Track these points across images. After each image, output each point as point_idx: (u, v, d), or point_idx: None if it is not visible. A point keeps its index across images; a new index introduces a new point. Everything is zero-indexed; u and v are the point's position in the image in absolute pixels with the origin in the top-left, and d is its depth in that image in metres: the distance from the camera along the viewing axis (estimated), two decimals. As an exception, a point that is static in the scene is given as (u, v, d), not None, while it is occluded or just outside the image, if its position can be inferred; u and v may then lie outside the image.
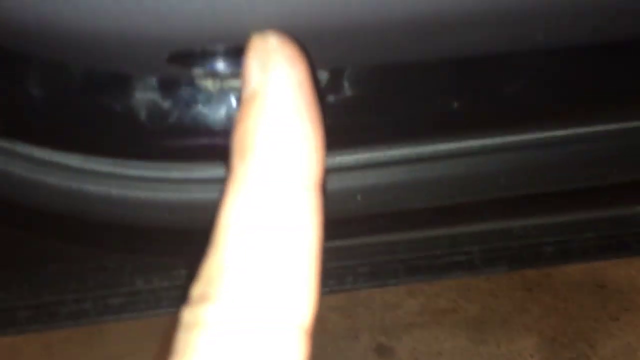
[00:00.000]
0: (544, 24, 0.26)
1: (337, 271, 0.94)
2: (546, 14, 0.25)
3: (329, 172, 0.36)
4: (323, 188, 0.20)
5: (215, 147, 0.29)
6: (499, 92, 0.31)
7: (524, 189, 0.39)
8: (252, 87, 0.20)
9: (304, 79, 0.20)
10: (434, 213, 0.43)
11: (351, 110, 0.30)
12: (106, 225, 0.37)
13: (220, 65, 0.24)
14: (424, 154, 0.36)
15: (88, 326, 0.94)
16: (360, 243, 0.92)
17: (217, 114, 0.28)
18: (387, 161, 0.36)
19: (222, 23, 0.22)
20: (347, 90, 0.29)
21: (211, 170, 0.35)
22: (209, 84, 0.27)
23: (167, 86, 0.27)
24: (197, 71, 0.25)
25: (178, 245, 0.46)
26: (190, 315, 0.18)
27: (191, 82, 0.27)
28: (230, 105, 0.28)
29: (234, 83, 0.27)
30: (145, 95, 0.28)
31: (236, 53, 0.23)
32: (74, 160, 0.34)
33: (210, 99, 0.27)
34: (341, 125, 0.30)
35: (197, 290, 0.19)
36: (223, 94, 0.27)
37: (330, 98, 0.29)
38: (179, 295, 0.90)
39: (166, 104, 0.28)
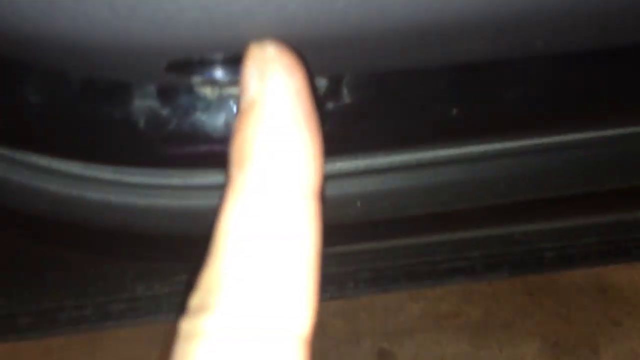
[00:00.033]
0: (543, 31, 0.26)
1: (338, 277, 0.93)
2: (545, 21, 0.25)
3: (328, 178, 0.36)
4: (322, 196, 0.20)
5: (214, 154, 0.29)
6: (498, 98, 0.31)
7: (523, 194, 0.39)
8: (250, 96, 0.20)
9: (302, 87, 0.20)
10: (434, 219, 0.43)
11: (351, 116, 0.30)
12: (106, 232, 0.37)
13: (219, 74, 0.24)
14: (423, 161, 0.36)
15: (88, 332, 0.94)
16: (361, 249, 0.92)
17: (216, 121, 0.28)
18: (386, 168, 0.36)
19: (220, 32, 0.22)
20: (346, 97, 0.29)
21: (210, 177, 0.35)
22: (207, 91, 0.27)
23: (166, 94, 0.27)
24: (196, 79, 0.26)
25: (178, 251, 0.46)
26: (188, 325, 0.18)
27: (190, 90, 0.27)
28: (229, 113, 0.28)
29: (232, 90, 0.27)
30: (144, 103, 0.28)
31: (234, 61, 0.23)
32: (74, 167, 0.34)
33: (209, 106, 0.27)
34: (341, 131, 0.30)
35: (195, 300, 0.19)
36: (222, 101, 0.27)
37: (330, 105, 0.29)
38: (180, 302, 0.90)
39: (165, 112, 0.28)
